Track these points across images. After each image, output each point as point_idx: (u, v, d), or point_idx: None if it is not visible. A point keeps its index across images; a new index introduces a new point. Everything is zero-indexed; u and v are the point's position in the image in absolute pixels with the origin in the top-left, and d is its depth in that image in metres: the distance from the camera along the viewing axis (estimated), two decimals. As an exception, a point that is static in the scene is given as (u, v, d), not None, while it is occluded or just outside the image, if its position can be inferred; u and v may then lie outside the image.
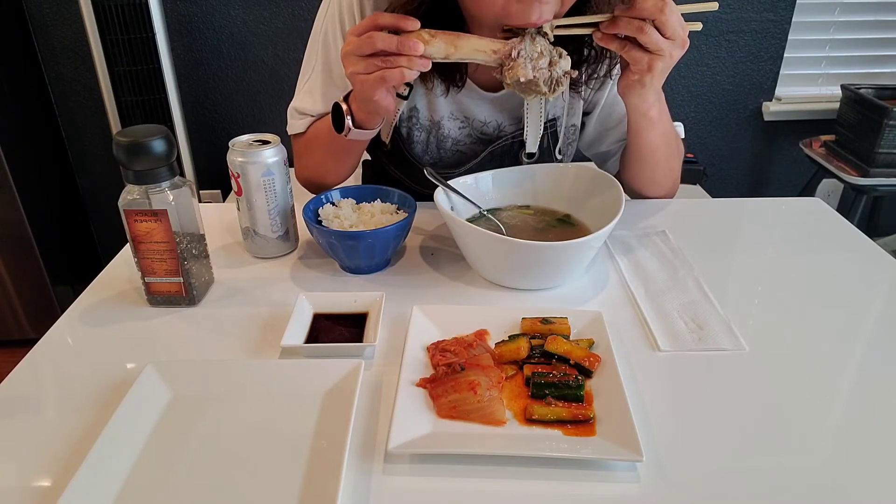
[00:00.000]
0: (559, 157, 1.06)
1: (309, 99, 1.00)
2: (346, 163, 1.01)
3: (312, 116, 1.01)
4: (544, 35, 0.77)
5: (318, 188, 1.03)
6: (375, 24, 0.74)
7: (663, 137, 0.95)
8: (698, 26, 0.79)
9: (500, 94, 0.99)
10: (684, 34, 0.78)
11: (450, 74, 0.93)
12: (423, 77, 0.91)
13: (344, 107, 0.85)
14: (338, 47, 0.96)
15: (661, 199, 1.06)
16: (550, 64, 0.77)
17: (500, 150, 1.02)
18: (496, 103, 1.00)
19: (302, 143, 1.04)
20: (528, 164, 1.03)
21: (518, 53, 0.76)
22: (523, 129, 1.00)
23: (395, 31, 0.75)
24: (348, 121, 0.85)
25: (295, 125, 1.03)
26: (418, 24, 0.74)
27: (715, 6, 0.79)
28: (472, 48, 0.77)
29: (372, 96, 0.78)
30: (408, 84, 0.92)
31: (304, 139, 1.03)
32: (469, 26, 0.89)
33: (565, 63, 0.78)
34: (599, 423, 0.58)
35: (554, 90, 0.78)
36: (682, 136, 1.01)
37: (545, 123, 1.00)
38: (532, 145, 1.01)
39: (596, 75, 0.95)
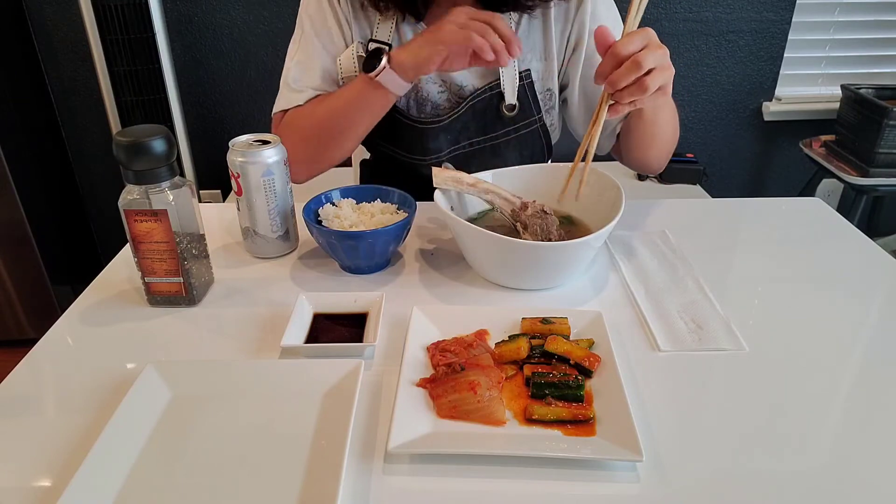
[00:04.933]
0: (538, 114, 1.06)
1: (300, 69, 1.02)
2: (347, 135, 0.98)
3: (311, 90, 1.01)
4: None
5: (310, 167, 1.02)
6: (493, 23, 0.83)
7: (670, 111, 0.97)
8: None
9: None
10: (660, 48, 0.76)
11: (409, 3, 0.95)
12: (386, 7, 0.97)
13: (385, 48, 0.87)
14: (323, 16, 1.01)
15: (661, 199, 1.07)
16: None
17: (480, 104, 1.03)
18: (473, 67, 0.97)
19: (296, 113, 1.01)
20: (511, 117, 1.04)
21: (525, 227, 0.84)
22: (499, 79, 1.01)
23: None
24: (384, 60, 0.87)
25: (291, 98, 1.01)
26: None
27: None
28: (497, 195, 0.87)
29: (456, 43, 0.84)
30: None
31: (301, 110, 1.00)
32: None
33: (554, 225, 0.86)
34: (599, 423, 0.58)
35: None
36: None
37: (520, 74, 1.02)
38: (511, 96, 1.02)
39: None
